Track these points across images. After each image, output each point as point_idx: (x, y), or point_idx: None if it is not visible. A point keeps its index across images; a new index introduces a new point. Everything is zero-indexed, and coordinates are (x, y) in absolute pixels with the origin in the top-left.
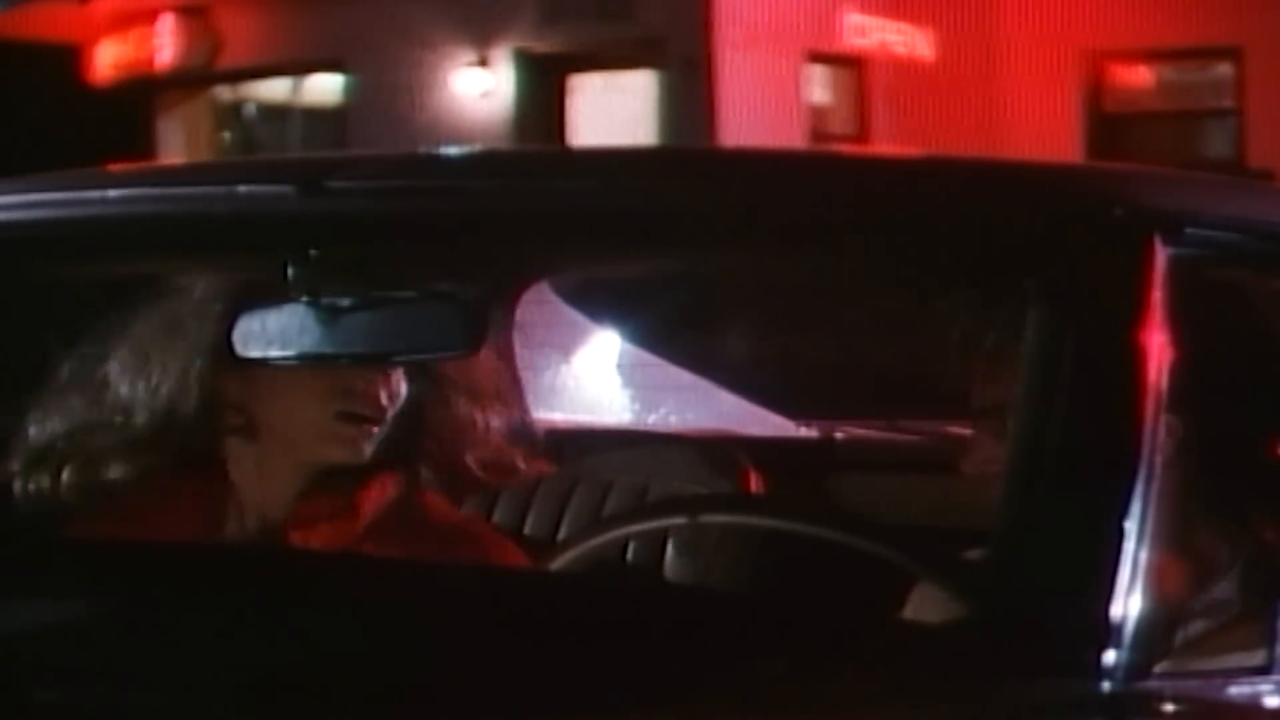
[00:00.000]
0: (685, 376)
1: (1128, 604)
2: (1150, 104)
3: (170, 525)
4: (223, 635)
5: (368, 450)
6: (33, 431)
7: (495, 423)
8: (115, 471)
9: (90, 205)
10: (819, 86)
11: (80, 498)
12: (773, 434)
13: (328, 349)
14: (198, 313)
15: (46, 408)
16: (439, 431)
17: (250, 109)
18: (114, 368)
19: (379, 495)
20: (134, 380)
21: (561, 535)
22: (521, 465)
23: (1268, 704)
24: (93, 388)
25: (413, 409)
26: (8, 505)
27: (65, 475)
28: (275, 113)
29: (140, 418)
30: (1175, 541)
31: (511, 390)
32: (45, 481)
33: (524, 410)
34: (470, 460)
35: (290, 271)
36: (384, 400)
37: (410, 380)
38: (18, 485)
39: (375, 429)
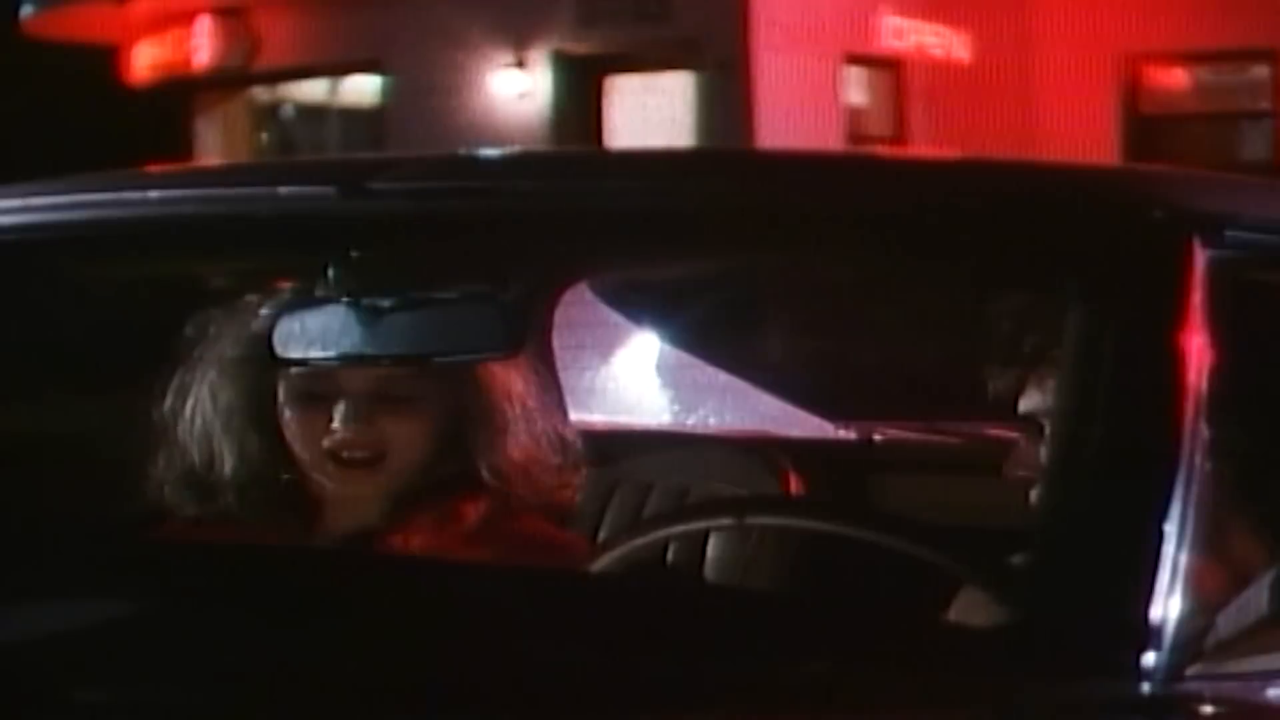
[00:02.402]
0: (724, 378)
1: (1167, 605)
2: (1186, 106)
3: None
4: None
5: (366, 489)
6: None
7: (530, 430)
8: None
9: (131, 206)
10: (856, 88)
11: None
12: (812, 435)
13: (368, 350)
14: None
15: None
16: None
17: (288, 110)
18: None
19: (482, 508)
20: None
21: (602, 537)
22: (554, 476)
23: None
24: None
25: (469, 424)
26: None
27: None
28: (313, 114)
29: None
30: (1214, 543)
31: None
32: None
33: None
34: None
35: (331, 272)
36: (379, 441)
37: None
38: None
39: (368, 470)
